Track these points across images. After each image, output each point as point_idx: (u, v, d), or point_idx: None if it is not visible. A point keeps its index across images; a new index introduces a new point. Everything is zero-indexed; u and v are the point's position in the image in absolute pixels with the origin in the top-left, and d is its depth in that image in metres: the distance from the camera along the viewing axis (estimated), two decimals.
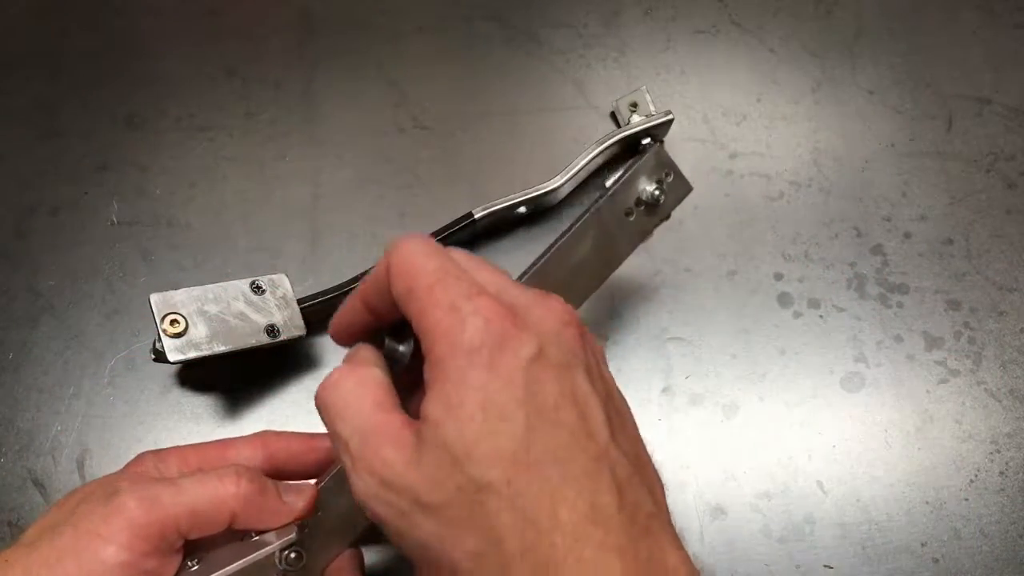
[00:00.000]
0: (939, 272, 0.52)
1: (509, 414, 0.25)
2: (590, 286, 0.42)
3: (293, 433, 0.39)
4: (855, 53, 0.59)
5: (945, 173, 0.55)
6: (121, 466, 0.45)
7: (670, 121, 0.53)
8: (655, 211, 0.43)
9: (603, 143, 0.51)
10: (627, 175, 0.42)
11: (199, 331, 0.43)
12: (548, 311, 0.28)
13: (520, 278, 0.39)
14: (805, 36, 0.59)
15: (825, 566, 0.44)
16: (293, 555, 0.34)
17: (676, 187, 0.44)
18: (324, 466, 0.38)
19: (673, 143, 0.55)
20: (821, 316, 0.51)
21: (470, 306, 0.26)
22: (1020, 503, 0.46)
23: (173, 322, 0.42)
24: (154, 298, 0.42)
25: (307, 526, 0.35)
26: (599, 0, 0.60)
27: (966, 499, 0.46)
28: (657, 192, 0.42)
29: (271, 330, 0.44)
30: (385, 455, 0.27)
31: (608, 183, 0.43)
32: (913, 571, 0.45)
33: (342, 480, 0.36)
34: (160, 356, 0.43)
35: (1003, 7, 0.60)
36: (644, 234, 0.44)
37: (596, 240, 0.41)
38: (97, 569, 0.29)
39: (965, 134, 0.56)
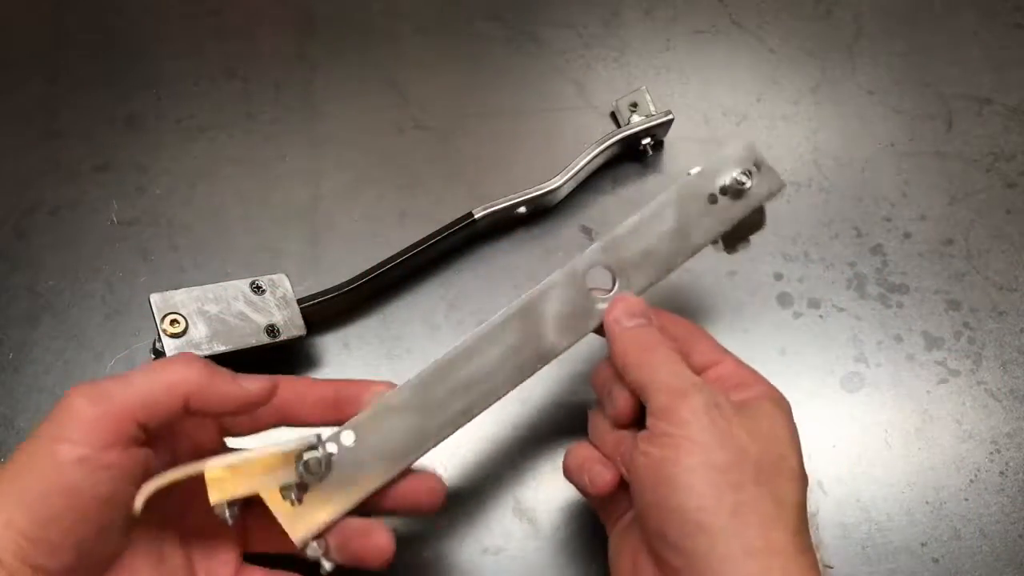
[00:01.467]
0: (939, 272, 0.52)
1: None
2: (659, 271, 0.40)
3: (299, 377, 0.39)
4: (855, 53, 0.59)
5: (945, 173, 0.55)
6: None
7: (670, 121, 0.53)
8: (741, 197, 0.41)
9: (603, 143, 0.51)
10: (711, 163, 0.41)
11: (199, 331, 0.43)
12: None
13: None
14: (805, 36, 0.59)
15: (825, 566, 0.44)
16: (311, 461, 0.34)
17: (765, 180, 0.41)
18: (328, 405, 0.38)
19: (673, 143, 0.55)
20: (821, 316, 0.51)
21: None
22: (1020, 503, 0.46)
23: (173, 322, 0.42)
24: (154, 298, 0.42)
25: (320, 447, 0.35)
26: (599, 0, 0.60)
27: (966, 499, 0.46)
28: (744, 178, 0.40)
29: (271, 330, 0.44)
30: None
31: (691, 171, 0.41)
32: (913, 571, 0.45)
33: (382, 417, 0.37)
34: (160, 356, 0.43)
35: (1003, 7, 0.60)
36: (736, 239, 0.43)
37: (676, 221, 0.40)
38: (55, 469, 0.30)
39: (965, 134, 0.56)
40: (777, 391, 0.38)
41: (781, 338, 0.50)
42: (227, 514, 0.34)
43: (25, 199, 0.52)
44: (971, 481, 0.47)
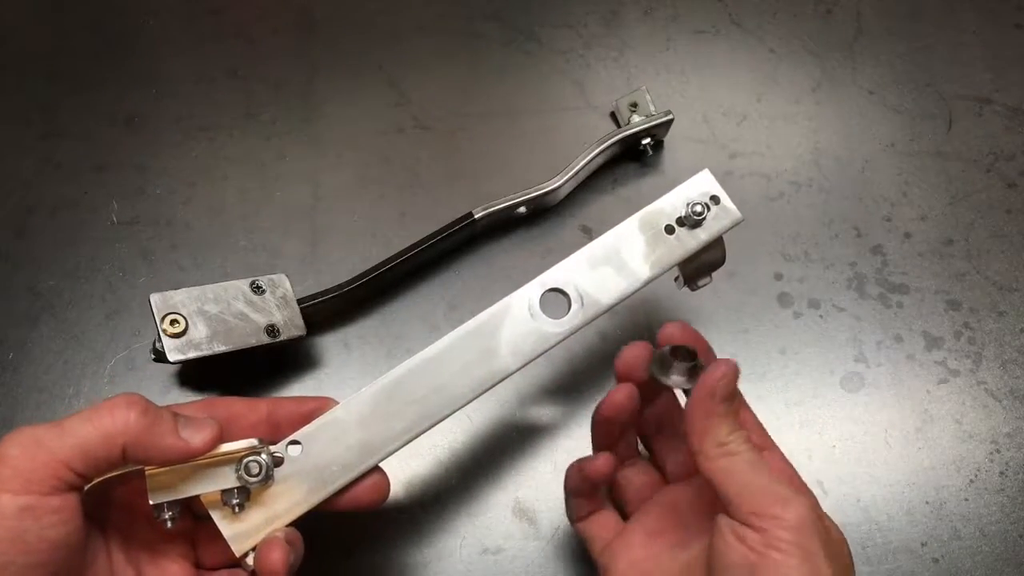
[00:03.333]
0: (939, 272, 0.52)
1: None
2: (615, 298, 0.41)
3: (235, 397, 0.39)
4: (855, 53, 0.59)
5: (945, 173, 0.55)
6: None
7: (670, 121, 0.53)
8: (699, 227, 0.41)
9: (603, 143, 0.51)
10: (670, 193, 0.42)
11: (199, 331, 0.43)
12: None
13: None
14: (805, 36, 0.59)
15: None
16: (251, 464, 0.35)
17: (723, 214, 0.42)
18: (264, 424, 0.38)
19: (673, 143, 0.55)
20: (821, 316, 0.51)
21: None
22: (1020, 503, 0.46)
23: (173, 322, 0.42)
24: (154, 298, 0.42)
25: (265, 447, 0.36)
26: (599, 0, 0.60)
27: (966, 499, 0.46)
28: (700, 210, 0.41)
29: (271, 330, 0.44)
30: None
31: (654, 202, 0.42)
32: (913, 571, 0.45)
33: (328, 431, 0.37)
34: (160, 356, 0.43)
35: (1003, 7, 0.60)
36: (696, 275, 0.43)
37: (633, 250, 0.41)
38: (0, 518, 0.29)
39: (965, 134, 0.56)
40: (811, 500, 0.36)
41: (781, 338, 0.50)
42: (165, 515, 0.34)
43: (25, 199, 0.52)
44: (971, 481, 0.47)
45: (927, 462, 0.47)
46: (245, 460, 0.35)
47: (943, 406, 0.48)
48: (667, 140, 0.55)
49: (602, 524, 0.40)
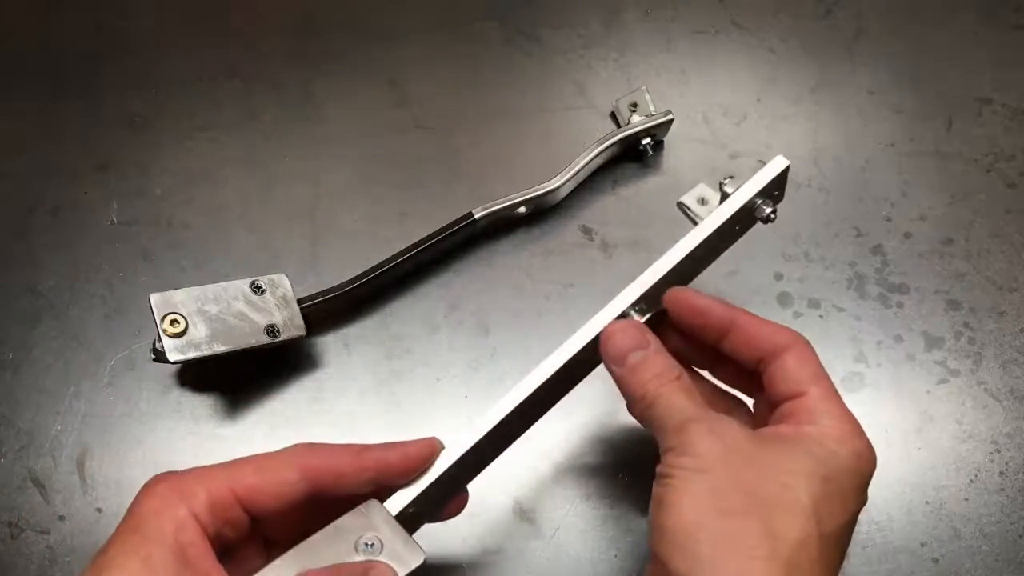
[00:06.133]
0: (939, 272, 0.52)
1: None
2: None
3: (335, 447, 0.35)
4: (855, 53, 0.59)
5: (945, 173, 0.55)
6: (121, 468, 0.45)
7: (670, 121, 0.53)
8: (766, 223, 0.42)
9: (603, 143, 0.51)
10: (750, 182, 0.41)
11: (199, 331, 0.43)
12: None
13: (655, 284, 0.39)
14: (805, 36, 0.59)
15: None
16: (411, 509, 0.35)
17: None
18: (376, 482, 0.35)
19: (673, 143, 0.55)
20: (821, 316, 0.51)
21: None
22: (1020, 503, 0.46)
23: (173, 322, 0.42)
24: (154, 298, 0.42)
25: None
26: (599, 0, 0.60)
27: (966, 499, 0.46)
28: (769, 208, 0.41)
29: (271, 330, 0.44)
30: None
31: (725, 181, 0.41)
32: (913, 571, 0.45)
33: (433, 484, 0.36)
34: (160, 356, 0.43)
35: (1003, 7, 0.60)
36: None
37: (704, 248, 0.40)
38: None
39: (965, 134, 0.56)
40: (835, 436, 0.36)
41: None
42: None
43: (25, 199, 0.52)
44: (971, 481, 0.47)
45: (927, 462, 0.47)
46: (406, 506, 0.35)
47: (943, 406, 0.48)
48: (667, 140, 0.55)
49: None
